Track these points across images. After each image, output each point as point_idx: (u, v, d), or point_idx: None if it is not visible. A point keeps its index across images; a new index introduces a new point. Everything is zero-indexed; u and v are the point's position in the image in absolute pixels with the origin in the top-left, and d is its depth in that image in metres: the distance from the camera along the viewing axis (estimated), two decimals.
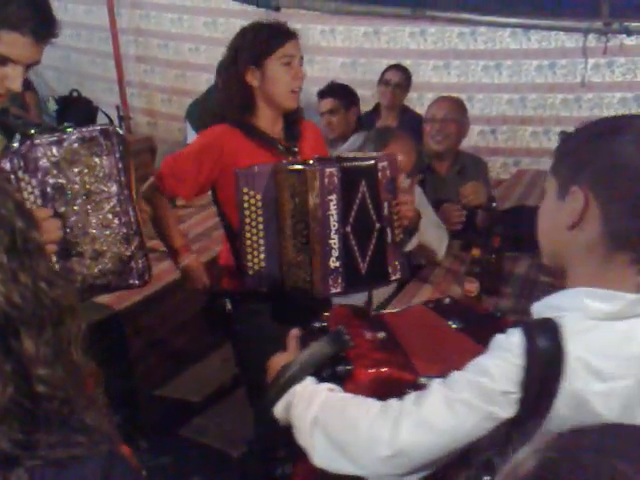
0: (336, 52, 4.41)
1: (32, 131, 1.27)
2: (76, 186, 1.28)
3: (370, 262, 1.70)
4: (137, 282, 1.37)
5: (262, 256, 1.70)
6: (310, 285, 1.65)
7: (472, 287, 2.01)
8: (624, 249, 0.89)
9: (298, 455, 1.07)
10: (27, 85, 3.93)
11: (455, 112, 2.62)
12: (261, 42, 1.79)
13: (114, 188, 1.31)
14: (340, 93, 3.32)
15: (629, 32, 3.56)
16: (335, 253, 1.63)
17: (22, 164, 1.25)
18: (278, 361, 1.16)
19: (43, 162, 1.26)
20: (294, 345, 1.20)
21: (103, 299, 2.25)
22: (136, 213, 1.36)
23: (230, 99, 1.84)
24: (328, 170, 1.60)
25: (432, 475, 0.98)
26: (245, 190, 1.67)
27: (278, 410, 1.11)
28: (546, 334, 0.89)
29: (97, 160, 1.29)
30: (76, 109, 4.58)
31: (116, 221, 1.32)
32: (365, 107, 3.62)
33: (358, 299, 2.05)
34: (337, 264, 1.64)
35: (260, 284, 1.72)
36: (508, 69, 3.96)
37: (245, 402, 2.06)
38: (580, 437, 0.51)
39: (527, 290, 2.11)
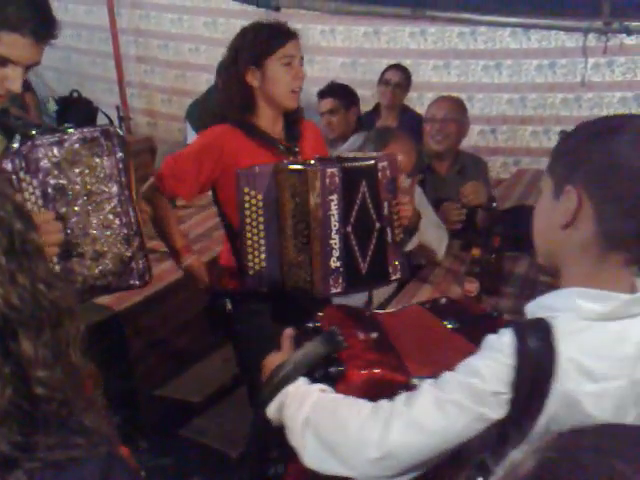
0: (336, 52, 4.42)
1: (33, 132, 1.27)
2: (77, 187, 1.28)
3: (370, 262, 1.70)
4: (137, 283, 1.37)
5: (263, 256, 1.70)
6: (311, 285, 1.65)
7: (472, 287, 2.01)
8: (618, 249, 0.89)
9: (290, 455, 1.07)
10: (26, 86, 3.92)
11: (455, 112, 2.62)
12: (261, 42, 1.79)
13: (115, 188, 1.31)
14: (340, 93, 3.32)
15: (629, 31, 3.56)
16: (336, 253, 1.63)
17: (23, 165, 1.25)
18: (272, 361, 1.16)
19: (44, 163, 1.26)
20: (288, 345, 1.20)
21: (103, 300, 2.25)
22: (136, 214, 1.36)
23: (230, 99, 1.84)
24: (329, 170, 1.60)
25: (423, 476, 0.98)
26: (246, 190, 1.67)
27: (271, 410, 1.10)
28: (537, 334, 0.89)
29: (98, 160, 1.29)
30: (76, 110, 4.58)
31: (117, 222, 1.32)
32: (365, 107, 3.63)
33: (358, 299, 2.06)
34: (338, 264, 1.64)
35: (261, 284, 1.73)
36: (508, 69, 3.96)
37: (245, 402, 2.06)
38: (579, 437, 0.51)
39: (527, 290, 2.11)
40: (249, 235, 1.69)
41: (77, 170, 1.28)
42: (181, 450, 2.49)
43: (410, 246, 2.07)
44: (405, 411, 0.95)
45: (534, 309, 0.95)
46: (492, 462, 0.97)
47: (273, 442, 1.11)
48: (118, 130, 1.35)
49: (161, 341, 2.70)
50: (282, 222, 1.67)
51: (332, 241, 1.63)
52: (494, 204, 2.34)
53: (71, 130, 1.29)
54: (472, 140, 3.80)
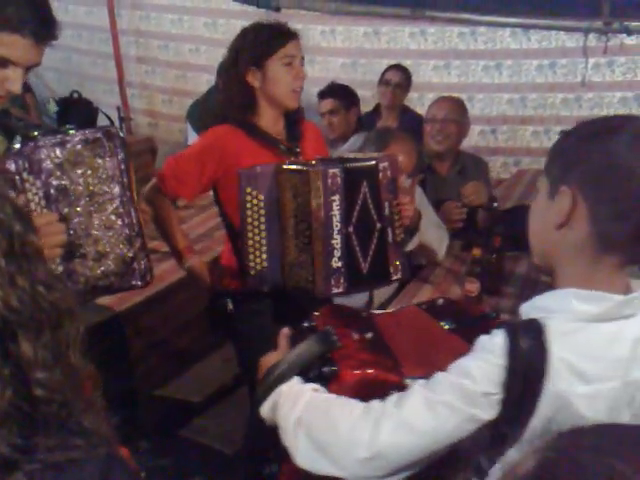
0: (336, 52, 4.42)
1: (35, 133, 1.27)
2: (79, 187, 1.28)
3: (371, 262, 1.70)
4: (139, 283, 1.37)
5: (264, 256, 1.70)
6: (312, 285, 1.65)
7: (473, 287, 2.01)
8: (612, 251, 0.89)
9: (284, 455, 1.06)
10: (26, 87, 3.92)
11: (455, 112, 2.62)
12: (262, 43, 1.79)
13: (117, 189, 1.31)
14: (340, 93, 3.32)
15: (629, 31, 3.56)
16: (337, 253, 1.64)
17: (26, 165, 1.25)
18: (268, 360, 1.16)
19: (47, 164, 1.26)
20: (284, 344, 1.20)
21: (104, 300, 2.26)
22: (137, 214, 1.36)
23: (231, 100, 1.84)
24: (331, 171, 1.61)
25: (416, 476, 0.98)
26: (248, 190, 1.67)
27: (265, 410, 1.10)
28: (530, 335, 0.89)
29: (100, 161, 1.29)
30: (76, 110, 4.58)
31: (119, 222, 1.32)
32: (365, 107, 3.63)
33: (359, 299, 2.06)
34: (339, 264, 1.64)
35: (262, 284, 1.73)
36: (508, 69, 3.97)
37: (246, 402, 2.06)
38: (579, 437, 0.51)
39: (528, 290, 2.11)
40: (250, 235, 1.69)
41: (79, 171, 1.28)
42: (181, 450, 2.49)
43: (411, 246, 2.08)
44: (395, 412, 0.95)
45: (529, 310, 0.95)
46: (487, 463, 0.97)
47: (267, 442, 1.11)
48: (118, 131, 1.35)
49: (162, 341, 2.70)
50: (283, 222, 1.67)
51: (334, 241, 1.63)
52: (495, 204, 2.34)
53: (72, 131, 1.29)
54: (472, 140, 3.80)
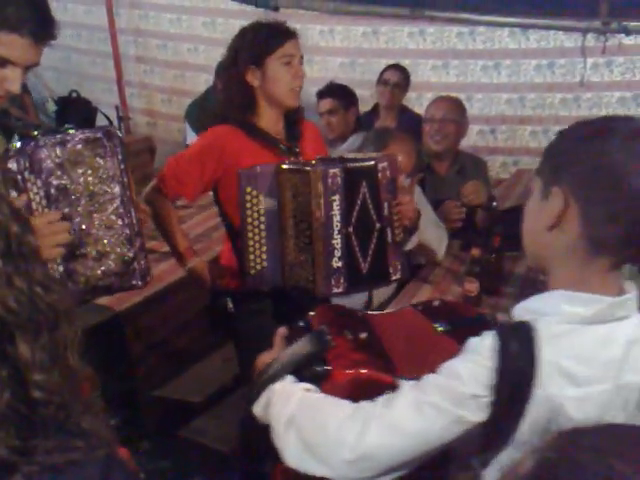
0: (335, 52, 4.42)
1: (35, 132, 1.27)
2: (80, 187, 1.28)
3: (371, 262, 1.71)
4: (140, 283, 1.37)
5: (264, 256, 1.70)
6: (312, 285, 1.65)
7: (472, 287, 2.01)
8: (604, 253, 0.88)
9: (277, 454, 1.06)
10: (23, 87, 3.92)
11: (454, 112, 2.62)
12: (261, 42, 1.79)
13: (117, 189, 1.31)
14: (339, 93, 3.31)
15: (628, 31, 3.57)
16: (338, 253, 1.64)
17: (28, 165, 1.25)
18: (263, 359, 1.16)
19: (47, 163, 1.26)
20: (280, 343, 1.19)
21: (103, 300, 2.25)
22: (137, 214, 1.36)
23: (231, 99, 1.84)
24: (331, 171, 1.61)
25: (406, 477, 0.98)
26: (248, 190, 1.67)
27: (258, 408, 1.10)
28: (519, 337, 0.88)
29: (101, 161, 1.29)
30: (75, 110, 4.58)
31: (119, 222, 1.32)
32: (364, 107, 3.62)
33: (358, 299, 2.06)
34: (339, 264, 1.64)
35: (262, 284, 1.73)
36: (507, 69, 3.97)
37: None
38: (578, 437, 0.51)
39: (527, 290, 2.11)
40: (250, 235, 1.70)
41: (80, 171, 1.28)
42: (181, 451, 2.49)
43: (410, 245, 2.08)
44: (384, 412, 0.95)
45: (521, 312, 0.94)
46: (479, 465, 0.97)
47: (261, 440, 1.10)
48: (117, 131, 1.36)
49: (161, 341, 2.69)
50: (283, 222, 1.68)
51: (334, 241, 1.63)
52: (494, 204, 2.34)
53: (72, 131, 1.29)
54: (471, 140, 3.80)
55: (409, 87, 3.66)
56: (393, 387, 1.04)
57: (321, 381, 1.10)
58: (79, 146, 1.27)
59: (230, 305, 1.92)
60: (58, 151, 1.26)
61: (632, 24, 3.54)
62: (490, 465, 0.95)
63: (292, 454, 1.02)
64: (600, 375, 0.88)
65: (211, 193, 1.93)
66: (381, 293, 2.15)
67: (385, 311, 1.53)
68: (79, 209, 1.28)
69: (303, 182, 1.62)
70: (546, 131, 3.92)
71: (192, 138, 3.49)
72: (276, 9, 4.35)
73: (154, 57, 5.22)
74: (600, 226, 0.87)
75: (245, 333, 1.92)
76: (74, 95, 4.69)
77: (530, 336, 0.88)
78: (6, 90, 1.29)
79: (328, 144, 2.84)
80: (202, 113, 3.58)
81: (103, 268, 1.31)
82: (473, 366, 0.91)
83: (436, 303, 1.38)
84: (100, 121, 4.53)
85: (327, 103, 3.27)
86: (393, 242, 1.75)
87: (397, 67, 3.64)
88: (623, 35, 3.59)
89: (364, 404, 0.99)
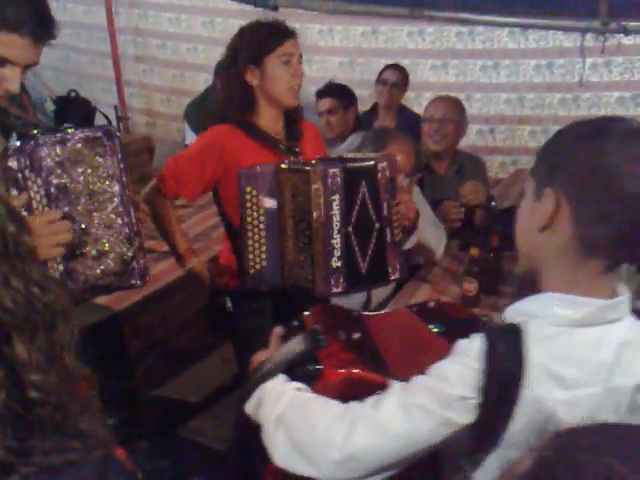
0: (334, 52, 4.41)
1: (34, 131, 1.27)
2: (79, 186, 1.28)
3: (370, 262, 1.71)
4: (139, 282, 1.37)
5: (263, 256, 1.70)
6: (312, 285, 1.65)
7: (471, 287, 2.01)
8: (596, 254, 0.88)
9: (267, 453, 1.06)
10: (21, 87, 3.92)
11: (453, 112, 2.62)
12: (260, 41, 1.79)
13: (117, 188, 1.31)
14: (338, 93, 3.31)
15: (627, 31, 3.57)
16: (337, 253, 1.64)
17: (28, 163, 1.25)
18: (258, 358, 1.16)
19: (47, 162, 1.26)
20: (275, 342, 1.19)
21: (102, 300, 2.25)
22: (136, 213, 1.36)
23: (230, 99, 1.84)
24: (331, 170, 1.61)
25: (398, 477, 0.97)
26: (247, 189, 1.67)
27: (249, 407, 1.10)
28: (507, 339, 0.88)
29: (100, 160, 1.29)
30: (74, 109, 4.58)
31: (119, 221, 1.32)
32: (363, 107, 3.62)
33: (357, 299, 2.06)
34: (339, 264, 1.64)
35: (261, 283, 1.73)
36: (506, 69, 3.97)
37: None
38: (577, 436, 0.51)
39: (526, 289, 2.11)
40: (250, 234, 1.69)
41: (80, 169, 1.28)
42: (180, 451, 2.49)
43: (409, 245, 2.08)
44: (372, 413, 0.95)
45: (512, 314, 0.94)
46: (469, 467, 0.96)
47: (253, 439, 1.10)
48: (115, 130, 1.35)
49: (160, 341, 2.69)
50: (283, 222, 1.68)
51: (334, 241, 1.63)
52: (493, 203, 2.34)
53: (71, 130, 1.29)
54: (470, 140, 3.80)
55: (408, 87, 3.66)
56: (384, 387, 1.03)
57: (313, 380, 1.10)
58: (79, 145, 1.27)
59: (229, 305, 1.92)
60: (58, 150, 1.26)
61: (631, 24, 3.54)
62: (480, 466, 0.95)
63: (281, 454, 1.01)
64: (589, 378, 0.87)
65: (210, 192, 1.93)
66: (380, 293, 2.15)
67: (380, 312, 1.52)
68: (79, 208, 1.28)
69: (303, 182, 1.62)
70: (545, 131, 3.92)
71: (191, 138, 3.49)
72: (275, 8, 4.35)
73: (153, 57, 5.21)
74: (591, 227, 0.86)
75: (244, 333, 1.92)
76: (73, 95, 4.69)
77: (518, 338, 0.87)
78: (5, 89, 1.29)
79: (327, 144, 2.83)
80: (201, 113, 3.57)
81: (102, 267, 1.31)
82: (461, 368, 0.90)
83: (431, 304, 1.38)
84: (99, 121, 4.53)
85: (326, 103, 3.27)
86: (392, 242, 1.75)
87: (396, 67, 3.64)
88: (622, 35, 3.59)
89: (353, 405, 0.98)
